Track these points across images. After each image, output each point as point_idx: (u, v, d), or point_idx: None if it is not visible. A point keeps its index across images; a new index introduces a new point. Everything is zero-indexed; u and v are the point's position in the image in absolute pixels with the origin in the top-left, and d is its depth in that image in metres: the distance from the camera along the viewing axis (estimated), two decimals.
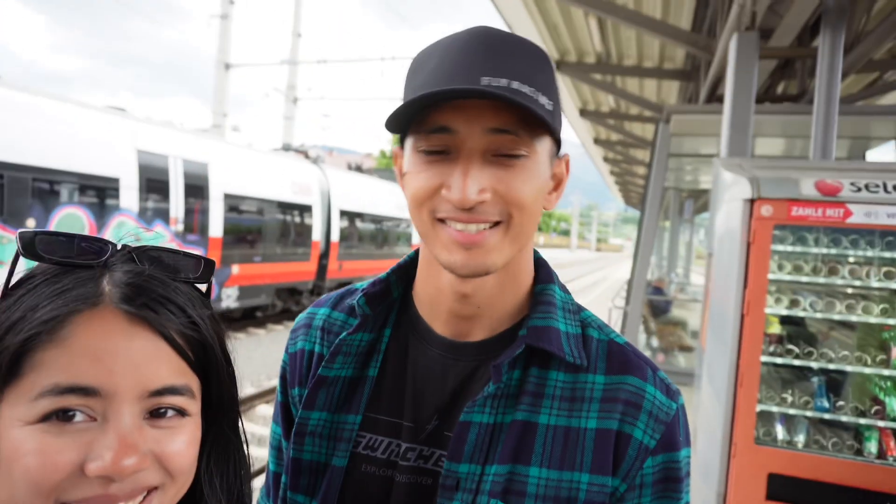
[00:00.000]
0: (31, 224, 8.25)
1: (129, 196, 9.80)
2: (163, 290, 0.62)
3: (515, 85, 0.72)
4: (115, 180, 9.61)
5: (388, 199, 19.49)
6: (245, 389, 8.61)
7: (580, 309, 0.89)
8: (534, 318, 0.83)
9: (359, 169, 21.34)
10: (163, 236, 9.95)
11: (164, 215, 10.46)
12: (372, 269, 17.19)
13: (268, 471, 1.00)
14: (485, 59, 0.73)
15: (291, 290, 15.11)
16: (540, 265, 0.90)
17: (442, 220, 0.77)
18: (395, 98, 25.63)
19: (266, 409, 8.04)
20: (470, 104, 0.73)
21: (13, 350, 0.56)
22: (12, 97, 8.41)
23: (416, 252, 0.92)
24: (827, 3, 4.36)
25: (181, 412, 0.62)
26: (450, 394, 0.84)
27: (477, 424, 0.79)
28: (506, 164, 0.75)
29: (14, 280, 0.63)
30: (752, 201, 3.35)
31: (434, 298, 0.87)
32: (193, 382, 0.64)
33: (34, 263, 0.63)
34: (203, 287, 0.71)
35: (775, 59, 6.29)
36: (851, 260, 3.50)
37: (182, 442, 0.61)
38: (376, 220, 18.84)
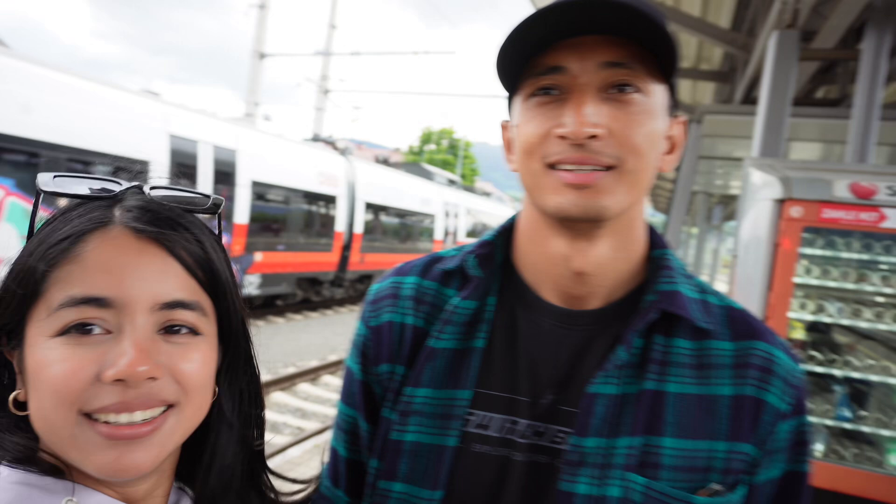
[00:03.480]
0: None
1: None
2: (170, 214, 0.65)
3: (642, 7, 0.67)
4: (146, 163, 9.73)
5: (413, 194, 19.50)
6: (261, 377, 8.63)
7: (693, 275, 0.86)
8: (660, 283, 0.80)
9: (385, 162, 21.38)
10: None
11: None
12: (394, 262, 16.90)
13: (336, 457, 0.93)
14: None
15: (312, 280, 15.20)
16: (652, 231, 0.86)
17: (552, 167, 0.74)
18: (427, 93, 25.62)
19: (281, 397, 8.08)
20: (584, 42, 0.71)
21: (40, 272, 0.60)
22: (50, 77, 8.58)
23: (516, 215, 0.89)
24: (875, 4, 4.22)
25: (193, 330, 0.64)
26: (565, 366, 0.80)
27: (605, 396, 0.76)
28: (620, 101, 0.72)
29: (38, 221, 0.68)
30: (781, 201, 3.26)
31: (540, 265, 0.82)
32: (205, 302, 0.66)
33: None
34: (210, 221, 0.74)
35: (816, 60, 6.12)
36: (884, 266, 3.38)
37: (196, 360, 0.63)
38: (401, 213, 18.86)
